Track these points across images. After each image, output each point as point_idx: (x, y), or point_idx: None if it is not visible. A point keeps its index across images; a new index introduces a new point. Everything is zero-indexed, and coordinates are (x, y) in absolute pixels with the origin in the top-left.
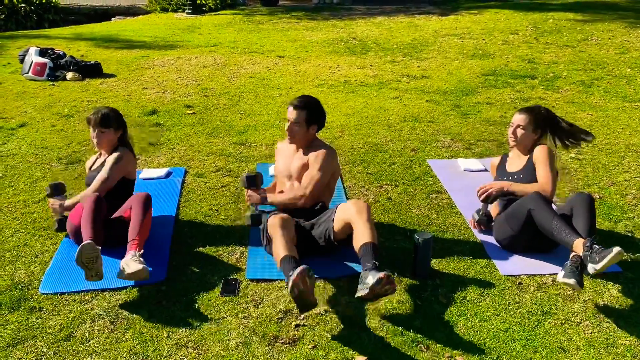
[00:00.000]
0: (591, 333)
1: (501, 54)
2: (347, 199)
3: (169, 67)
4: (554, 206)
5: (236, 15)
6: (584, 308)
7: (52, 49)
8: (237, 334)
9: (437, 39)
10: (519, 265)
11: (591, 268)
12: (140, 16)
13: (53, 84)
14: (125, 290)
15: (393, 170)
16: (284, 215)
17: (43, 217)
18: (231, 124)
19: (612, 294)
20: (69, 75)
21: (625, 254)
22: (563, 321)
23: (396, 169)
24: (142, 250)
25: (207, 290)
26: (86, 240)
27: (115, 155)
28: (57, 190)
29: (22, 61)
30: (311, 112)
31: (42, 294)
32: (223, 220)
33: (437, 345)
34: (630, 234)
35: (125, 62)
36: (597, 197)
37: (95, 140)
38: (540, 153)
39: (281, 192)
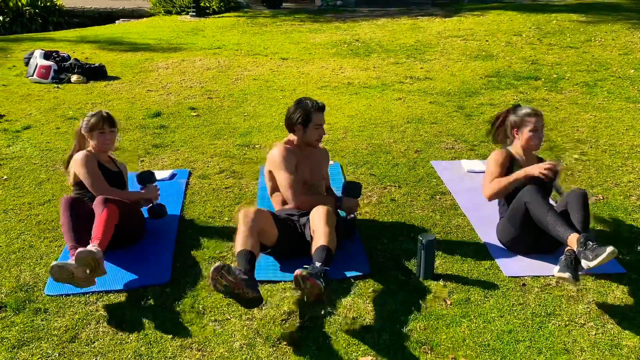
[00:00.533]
0: (595, 334)
1: (504, 55)
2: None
3: (173, 69)
4: (552, 203)
5: (240, 17)
6: (588, 309)
7: (56, 52)
8: (241, 336)
9: (440, 41)
10: (522, 266)
11: (585, 264)
12: (144, 19)
13: (58, 87)
14: (129, 292)
15: (396, 171)
16: (254, 208)
17: (48, 219)
18: (235, 126)
19: (616, 295)
20: (74, 77)
21: (617, 252)
22: (567, 322)
23: (400, 170)
24: (98, 242)
25: (211, 291)
26: (69, 248)
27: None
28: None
29: (27, 64)
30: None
31: (47, 295)
32: (227, 222)
33: (441, 346)
34: (634, 235)
35: (129, 65)
36: (601, 198)
37: (109, 141)
38: None
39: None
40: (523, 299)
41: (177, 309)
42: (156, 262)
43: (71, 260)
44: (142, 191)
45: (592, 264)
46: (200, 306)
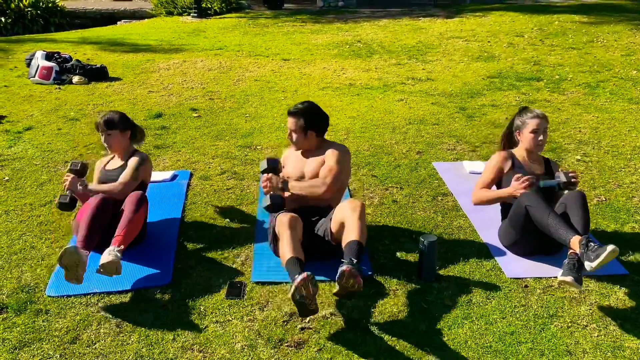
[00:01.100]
0: (597, 336)
1: (506, 56)
2: None
3: (174, 70)
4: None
5: (241, 18)
6: (591, 311)
7: (58, 53)
8: (243, 337)
9: (442, 42)
10: (524, 268)
11: (587, 266)
12: (146, 20)
13: (59, 88)
14: (131, 293)
15: (398, 172)
16: (294, 214)
17: (49, 220)
18: (236, 127)
19: (619, 296)
20: (75, 78)
21: (618, 251)
22: (569, 324)
23: (401, 171)
24: (123, 247)
25: (213, 293)
26: (78, 243)
27: (137, 158)
28: (82, 170)
29: (28, 65)
30: (307, 118)
31: (49, 296)
32: (228, 223)
33: (443, 348)
34: (636, 236)
35: (131, 66)
36: (604, 199)
37: (105, 144)
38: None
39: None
40: (525, 300)
41: (179, 310)
42: (157, 264)
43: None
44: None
45: (594, 264)
46: (202, 307)
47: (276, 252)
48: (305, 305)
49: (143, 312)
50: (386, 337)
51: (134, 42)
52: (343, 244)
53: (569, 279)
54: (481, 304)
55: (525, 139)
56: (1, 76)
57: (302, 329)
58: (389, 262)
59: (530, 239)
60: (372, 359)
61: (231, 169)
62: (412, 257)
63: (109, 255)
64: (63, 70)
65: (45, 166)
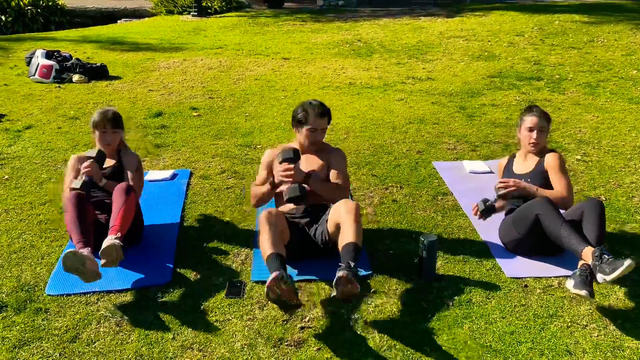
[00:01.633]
0: (597, 336)
1: (507, 55)
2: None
3: (174, 69)
4: (562, 211)
5: (241, 17)
6: (590, 311)
7: (58, 52)
8: (242, 336)
9: (442, 41)
10: (524, 267)
11: (600, 278)
12: (146, 19)
13: (59, 86)
14: (131, 292)
15: (398, 172)
16: (274, 209)
17: (49, 219)
18: (236, 126)
19: (619, 296)
20: (75, 77)
21: (634, 265)
22: (569, 324)
23: (401, 171)
24: (120, 234)
25: (213, 292)
26: (76, 243)
27: (136, 159)
28: (101, 159)
29: (28, 63)
30: (330, 116)
31: (49, 295)
32: (228, 223)
33: (443, 347)
34: (636, 236)
35: (131, 65)
36: (604, 199)
37: (104, 142)
38: (555, 160)
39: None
40: (525, 300)
41: (178, 309)
42: (157, 263)
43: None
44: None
45: (609, 277)
46: (202, 306)
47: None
48: (284, 303)
49: (143, 311)
50: (386, 337)
51: (134, 41)
52: (339, 246)
53: (583, 292)
54: (481, 303)
55: (521, 136)
56: (1, 75)
57: (302, 328)
58: (389, 262)
59: (531, 241)
60: (371, 358)
61: (231, 168)
62: (412, 257)
63: (108, 241)
64: (63, 69)
65: (45, 165)
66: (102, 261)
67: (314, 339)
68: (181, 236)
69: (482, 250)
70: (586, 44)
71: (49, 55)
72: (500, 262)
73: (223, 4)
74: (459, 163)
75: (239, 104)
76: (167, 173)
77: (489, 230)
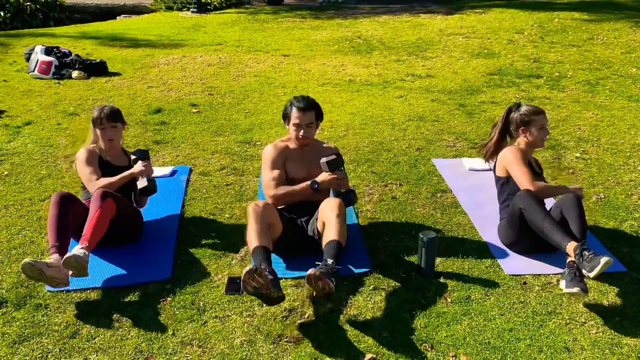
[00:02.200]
0: (596, 333)
1: (506, 53)
2: None
3: (174, 65)
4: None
5: (241, 14)
6: (589, 308)
7: (57, 48)
8: (242, 332)
9: (442, 38)
10: (523, 265)
11: (585, 274)
12: (145, 15)
13: (59, 83)
14: (130, 288)
15: (398, 169)
16: (263, 202)
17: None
18: (236, 123)
19: (617, 294)
20: (75, 73)
21: (612, 261)
22: (568, 321)
23: (401, 168)
24: (88, 244)
25: (212, 288)
26: (49, 246)
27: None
28: (145, 155)
29: (27, 59)
30: (318, 110)
31: (48, 291)
32: (228, 219)
33: (442, 344)
34: (635, 234)
35: (130, 61)
36: (602, 197)
37: (106, 138)
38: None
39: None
40: (524, 297)
41: (178, 305)
42: (157, 259)
43: (50, 260)
44: (130, 170)
45: (591, 275)
46: (201, 303)
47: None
48: (266, 296)
49: (142, 307)
50: (385, 333)
51: (134, 37)
52: (323, 244)
53: (575, 290)
54: (480, 300)
55: (532, 135)
56: (0, 71)
57: (301, 324)
58: (388, 259)
59: (529, 239)
60: (370, 354)
61: (231, 164)
62: (411, 254)
63: (72, 251)
64: (62, 65)
65: (44, 161)
66: (70, 272)
67: (313, 336)
68: (181, 232)
69: (481, 247)
70: (586, 41)
71: (48, 51)
72: (499, 259)
73: (222, 0)
74: (458, 160)
75: (238, 100)
76: (167, 169)
77: (488, 228)
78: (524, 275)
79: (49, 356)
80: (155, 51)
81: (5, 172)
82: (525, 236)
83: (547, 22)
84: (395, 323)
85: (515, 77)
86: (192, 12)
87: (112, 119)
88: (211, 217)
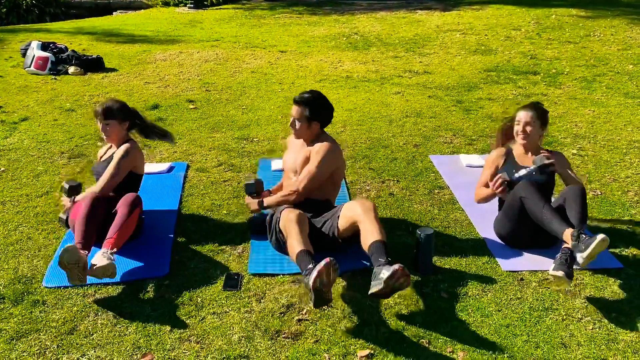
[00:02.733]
0: (592, 329)
1: (503, 49)
2: (349, 194)
3: (170, 61)
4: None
5: (238, 9)
6: (585, 304)
7: (53, 43)
8: (240, 328)
9: (439, 35)
10: (520, 261)
11: (579, 257)
12: (142, 10)
13: (55, 78)
14: (128, 285)
15: (395, 165)
16: (299, 211)
17: (46, 211)
18: (233, 119)
19: (614, 290)
20: (71, 69)
21: (609, 240)
22: (564, 317)
23: (398, 164)
24: (116, 249)
25: (210, 284)
26: (76, 242)
27: (122, 149)
28: (75, 192)
29: (24, 55)
30: (312, 108)
31: (46, 287)
32: (225, 215)
33: (439, 340)
34: (631, 230)
35: (127, 57)
36: (599, 193)
37: (102, 133)
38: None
39: (280, 187)
40: (521, 293)
41: (176, 301)
42: (155, 255)
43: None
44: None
45: (585, 254)
46: (199, 299)
47: (278, 247)
48: (322, 294)
49: (140, 303)
50: (382, 329)
51: (130, 33)
52: (364, 246)
53: (559, 273)
54: (477, 296)
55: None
56: None
57: (299, 320)
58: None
59: (525, 231)
60: (368, 350)
61: (228, 160)
62: (409, 250)
63: (103, 257)
64: (59, 61)
65: (41, 157)
66: (91, 272)
67: (311, 331)
68: (178, 229)
69: (478, 243)
70: (583, 38)
71: (44, 47)
72: (496, 255)
73: None
74: (456, 157)
75: (235, 96)
76: (164, 166)
77: (485, 224)
78: (521, 271)
79: (47, 352)
80: (152, 47)
81: (2, 169)
82: (521, 227)
83: (544, 19)
84: (392, 319)
85: (512, 73)
86: (189, 7)
87: (103, 116)
88: (209, 213)
